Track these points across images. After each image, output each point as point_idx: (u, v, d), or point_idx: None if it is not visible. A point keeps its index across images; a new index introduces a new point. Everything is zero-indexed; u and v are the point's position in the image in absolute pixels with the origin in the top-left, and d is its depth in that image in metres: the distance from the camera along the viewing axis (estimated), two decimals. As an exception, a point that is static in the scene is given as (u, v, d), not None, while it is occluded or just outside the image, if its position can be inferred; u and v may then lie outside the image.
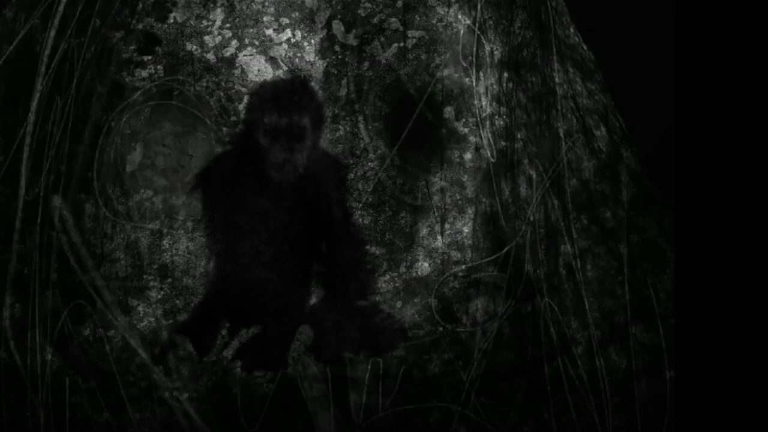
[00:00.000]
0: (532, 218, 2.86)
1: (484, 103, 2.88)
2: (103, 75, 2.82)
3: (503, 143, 2.88)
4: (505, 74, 2.91)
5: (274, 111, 2.75)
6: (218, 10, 2.86)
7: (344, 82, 2.86)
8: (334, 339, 2.81)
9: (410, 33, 2.88)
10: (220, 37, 2.86)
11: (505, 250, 2.85)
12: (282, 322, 2.81)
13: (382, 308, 2.83)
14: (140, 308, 2.81)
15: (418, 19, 2.88)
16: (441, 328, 2.83)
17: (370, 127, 2.86)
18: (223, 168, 2.81)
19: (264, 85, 2.80)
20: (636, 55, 2.87)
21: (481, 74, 2.89)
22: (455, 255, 2.86)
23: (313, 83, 2.81)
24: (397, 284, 2.85)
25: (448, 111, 2.88)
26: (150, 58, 2.84)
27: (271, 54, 2.86)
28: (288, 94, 2.78)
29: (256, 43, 2.86)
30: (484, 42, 2.89)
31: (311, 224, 2.85)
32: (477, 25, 2.89)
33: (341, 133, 2.86)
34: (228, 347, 2.78)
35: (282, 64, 2.86)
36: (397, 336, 2.83)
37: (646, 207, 2.89)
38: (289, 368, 2.78)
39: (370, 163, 2.86)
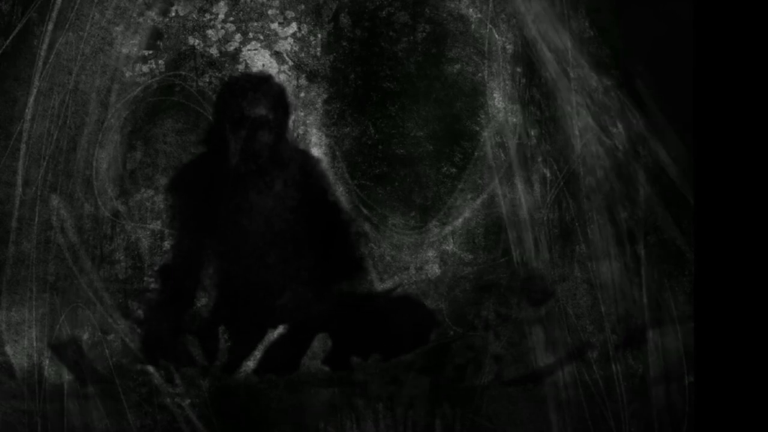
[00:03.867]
0: (546, 218, 2.84)
1: (496, 99, 2.86)
2: (103, 70, 2.81)
3: (516, 141, 2.87)
4: (518, 69, 2.88)
5: (241, 103, 2.79)
6: (221, 3, 2.85)
7: (352, 77, 2.84)
8: (342, 343, 2.81)
9: (420, 26, 2.87)
10: (223, 31, 2.85)
11: (518, 252, 2.84)
12: (289, 326, 2.80)
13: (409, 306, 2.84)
14: (140, 311, 2.80)
15: (428, 12, 2.87)
16: (452, 332, 2.82)
17: (377, 125, 2.86)
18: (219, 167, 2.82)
19: (233, 78, 2.82)
20: (653, 50, 2.86)
21: (493, 69, 2.87)
22: (467, 257, 2.84)
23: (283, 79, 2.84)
24: (406, 286, 2.84)
25: (459, 107, 2.86)
26: (151, 52, 2.83)
27: (276, 48, 2.85)
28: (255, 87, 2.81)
29: (261, 37, 2.85)
30: (496, 36, 2.87)
31: (317, 225, 2.85)
32: (489, 18, 2.88)
33: (348, 129, 2.84)
34: (247, 354, 2.78)
35: (287, 58, 2.85)
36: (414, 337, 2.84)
37: (663, 207, 2.87)
38: (297, 373, 2.79)
39: (376, 161, 2.85)
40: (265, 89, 2.83)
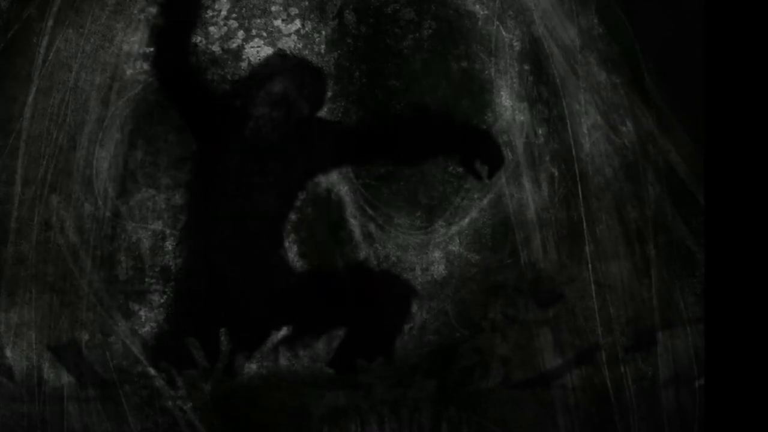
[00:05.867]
0: (554, 218, 2.84)
1: (503, 97, 2.86)
2: (103, 67, 2.80)
3: (524, 139, 2.86)
4: (526, 67, 2.87)
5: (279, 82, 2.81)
6: (223, 0, 2.84)
7: (357, 75, 2.84)
8: (347, 345, 2.80)
9: (425, 23, 2.86)
10: (225, 28, 2.84)
11: (525, 252, 2.83)
12: (292, 328, 2.80)
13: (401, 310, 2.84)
14: (142, 313, 2.79)
15: (434, 8, 2.86)
16: (458, 334, 2.82)
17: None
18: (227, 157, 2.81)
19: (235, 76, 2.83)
20: (663, 47, 2.87)
21: (500, 67, 2.86)
22: (473, 257, 2.84)
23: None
24: (411, 287, 2.83)
25: (466, 105, 2.85)
26: (152, 49, 2.82)
27: (280, 46, 2.85)
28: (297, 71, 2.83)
29: (264, 34, 2.84)
30: (503, 33, 2.86)
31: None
32: (496, 15, 2.87)
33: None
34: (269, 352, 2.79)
35: (291, 56, 2.84)
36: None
37: (673, 206, 2.85)
38: (301, 376, 2.79)
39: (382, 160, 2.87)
40: (268, 87, 2.83)
